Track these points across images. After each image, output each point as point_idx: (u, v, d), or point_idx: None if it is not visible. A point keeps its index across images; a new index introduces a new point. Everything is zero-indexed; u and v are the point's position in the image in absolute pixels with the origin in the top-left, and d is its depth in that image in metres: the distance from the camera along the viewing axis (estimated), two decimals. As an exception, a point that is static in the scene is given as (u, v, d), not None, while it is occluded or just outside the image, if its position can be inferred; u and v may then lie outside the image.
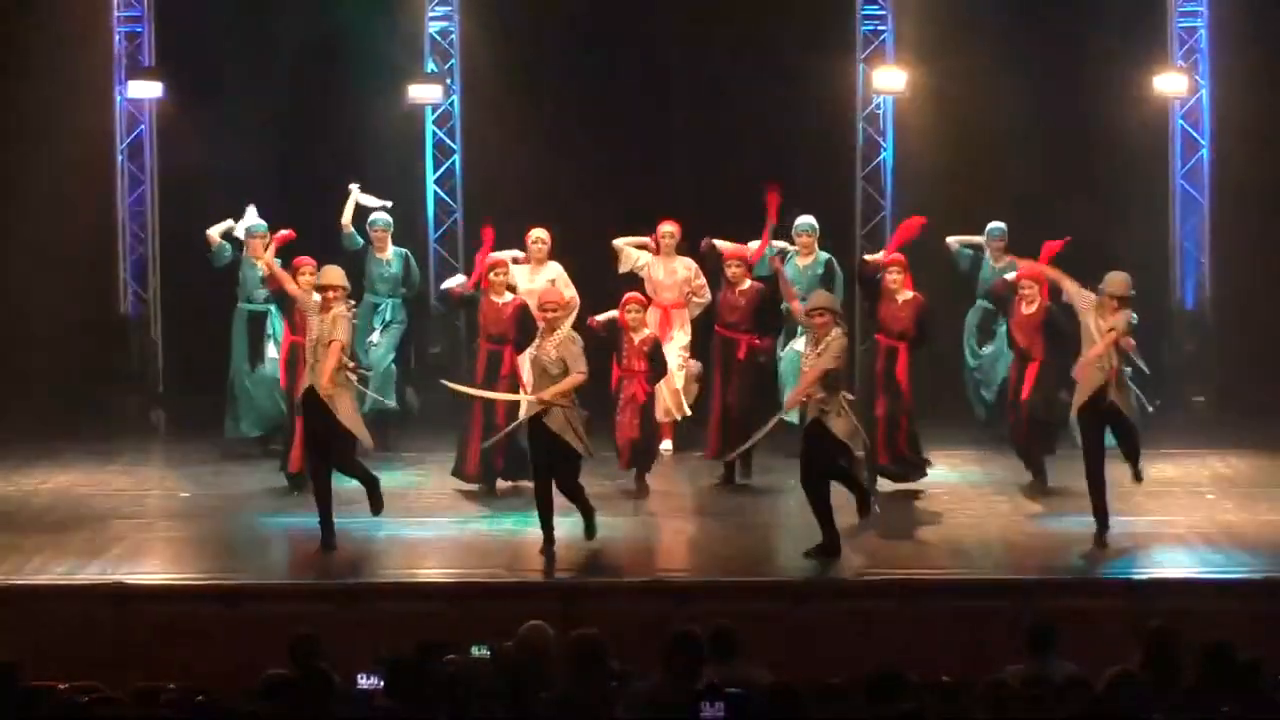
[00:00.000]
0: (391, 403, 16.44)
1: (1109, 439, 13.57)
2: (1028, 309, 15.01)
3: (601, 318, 15.09)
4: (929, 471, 15.31)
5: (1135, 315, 13.70)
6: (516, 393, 14.77)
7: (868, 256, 15.64)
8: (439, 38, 19.27)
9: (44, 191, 18.41)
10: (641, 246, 16.27)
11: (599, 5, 18.81)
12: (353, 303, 13.92)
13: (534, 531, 13.61)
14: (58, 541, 13.77)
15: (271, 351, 16.41)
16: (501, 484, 15.20)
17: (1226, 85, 18.82)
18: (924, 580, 12.80)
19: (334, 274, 13.77)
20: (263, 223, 16.32)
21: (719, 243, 15.86)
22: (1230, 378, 18.44)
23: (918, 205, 18.31)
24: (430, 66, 19.15)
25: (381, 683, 8.72)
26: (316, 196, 16.75)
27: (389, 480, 15.30)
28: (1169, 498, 14.91)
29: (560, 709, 8.57)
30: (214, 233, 16.34)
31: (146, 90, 18.92)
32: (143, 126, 19.26)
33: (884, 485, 14.95)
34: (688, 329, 16.39)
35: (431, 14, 19.26)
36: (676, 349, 16.29)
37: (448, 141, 19.35)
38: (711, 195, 16.94)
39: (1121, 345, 13.41)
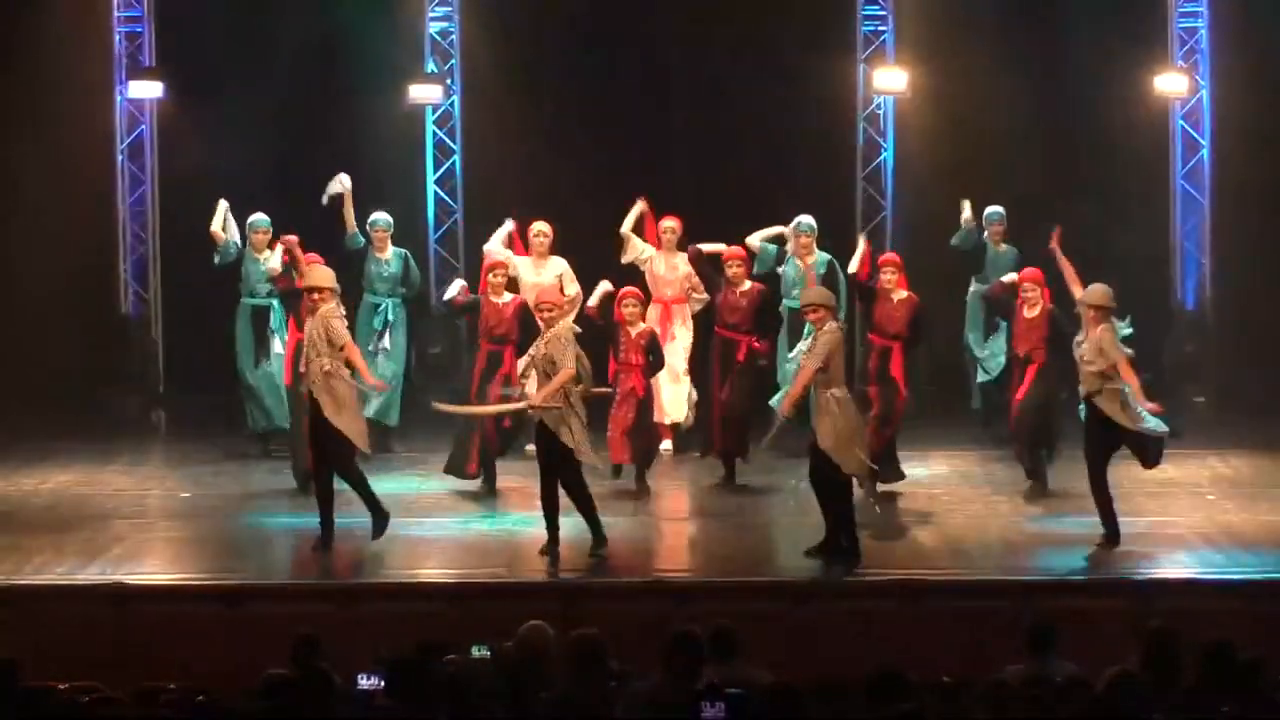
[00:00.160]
0: (394, 422, 16.50)
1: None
2: (1030, 312, 14.98)
3: (594, 299, 15.04)
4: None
5: (1118, 323, 13.63)
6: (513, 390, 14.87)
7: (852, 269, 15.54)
8: (439, 38, 19.29)
9: (45, 191, 18.43)
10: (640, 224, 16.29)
11: (599, 5, 18.81)
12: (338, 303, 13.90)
13: (534, 531, 13.62)
14: (58, 541, 13.77)
15: (277, 347, 16.43)
16: (502, 483, 15.21)
17: (1227, 85, 18.82)
18: (924, 580, 12.79)
19: (320, 275, 13.75)
20: (265, 218, 16.36)
21: (705, 247, 15.87)
22: (1230, 378, 18.45)
23: (918, 205, 18.36)
24: (430, 67, 19.17)
25: (382, 683, 8.72)
26: (317, 197, 16.73)
27: (389, 481, 15.35)
28: (1169, 498, 14.91)
29: (560, 709, 8.57)
30: (217, 228, 16.34)
31: (147, 90, 18.93)
32: (143, 126, 19.27)
33: (882, 485, 14.93)
34: (690, 326, 16.37)
35: (432, 14, 19.27)
36: (681, 352, 16.29)
37: (448, 142, 19.36)
38: (712, 195, 16.95)
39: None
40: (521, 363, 13.99)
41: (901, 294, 14.90)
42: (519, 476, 15.26)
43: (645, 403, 15.22)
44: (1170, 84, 18.69)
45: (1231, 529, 13.98)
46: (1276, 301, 18.50)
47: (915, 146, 18.77)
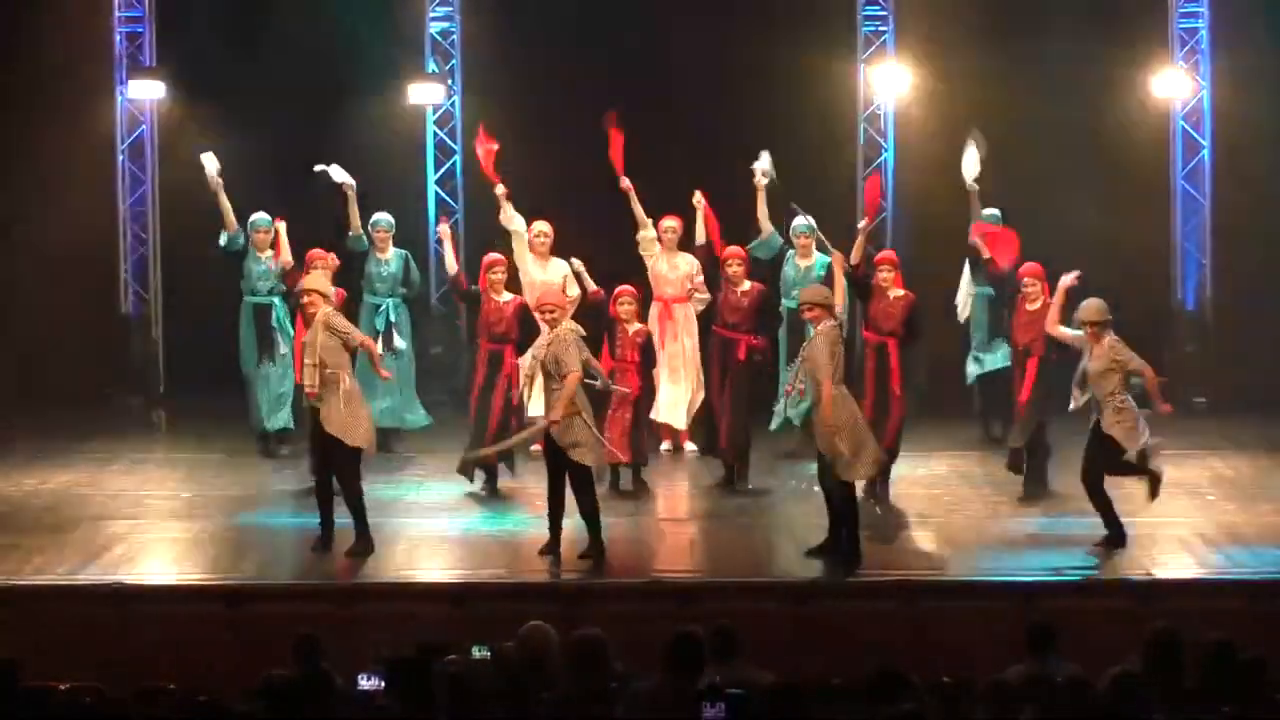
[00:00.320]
0: (423, 422, 16.54)
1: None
2: (1031, 305, 14.98)
3: (584, 276, 15.02)
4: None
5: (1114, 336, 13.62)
6: (513, 393, 14.91)
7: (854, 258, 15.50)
8: (440, 38, 19.29)
9: (45, 192, 18.43)
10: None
11: (600, 5, 18.81)
12: (340, 299, 13.91)
13: (535, 532, 13.62)
14: (59, 542, 13.77)
15: (282, 346, 16.44)
16: (502, 484, 15.21)
17: (1227, 85, 18.82)
18: (924, 580, 12.80)
19: (316, 280, 13.76)
20: (266, 217, 16.38)
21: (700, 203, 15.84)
22: (1231, 378, 18.43)
23: (919, 206, 18.35)
24: (431, 67, 19.16)
25: (382, 683, 8.72)
26: (317, 197, 16.74)
27: (390, 481, 15.35)
28: (1170, 498, 14.84)
29: (561, 709, 8.57)
30: (227, 210, 16.31)
31: (147, 90, 18.94)
32: (144, 127, 19.27)
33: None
34: (693, 329, 16.34)
35: (432, 14, 19.28)
36: (683, 353, 16.27)
37: (449, 142, 19.36)
38: (712, 195, 16.87)
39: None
40: (525, 363, 13.97)
41: (898, 292, 14.88)
42: (519, 477, 15.25)
43: (641, 402, 15.22)
44: (1171, 84, 18.69)
45: (1232, 529, 13.98)
46: (1277, 302, 18.50)
47: (916, 147, 18.77)
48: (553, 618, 9.43)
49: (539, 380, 13.31)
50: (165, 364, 19.22)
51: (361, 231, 16.47)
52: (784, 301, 16.25)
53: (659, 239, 16.35)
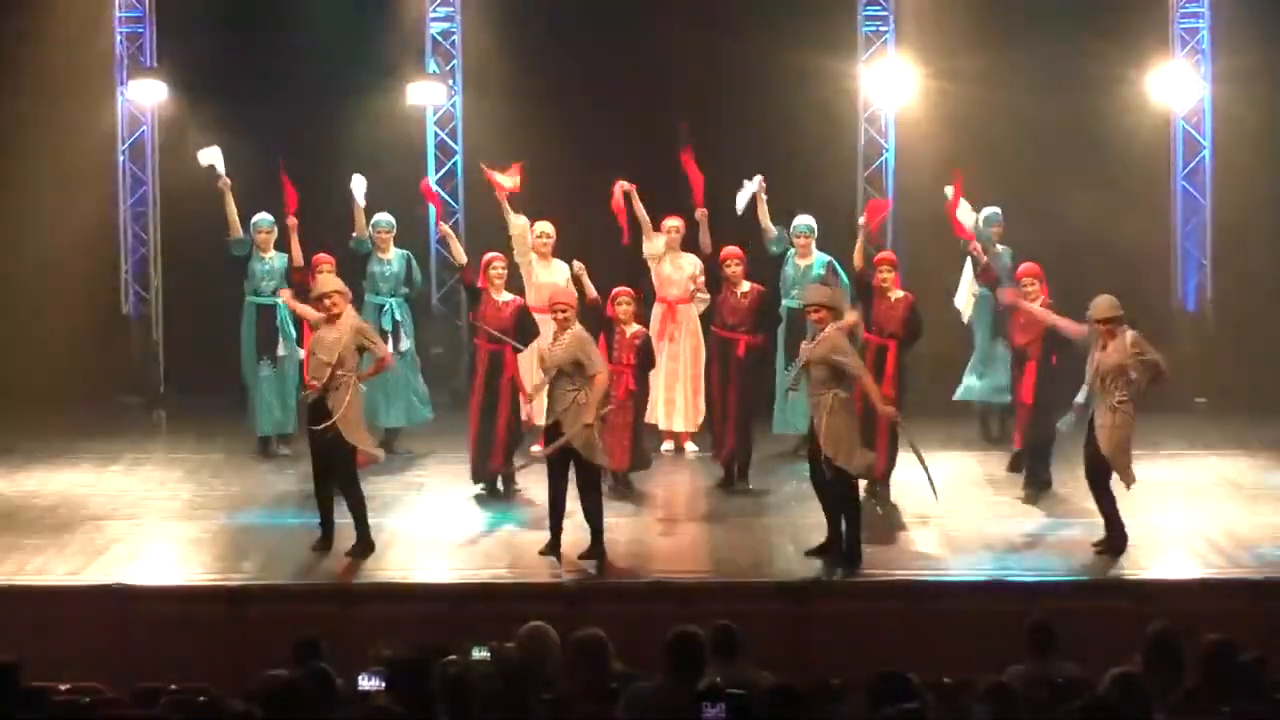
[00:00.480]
0: (429, 418, 16.62)
1: None
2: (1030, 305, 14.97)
3: (584, 281, 15.02)
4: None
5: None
6: (515, 397, 14.93)
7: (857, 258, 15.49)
8: (440, 38, 19.30)
9: (46, 192, 18.45)
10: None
11: (600, 6, 18.82)
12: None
13: (536, 533, 13.62)
14: (59, 542, 13.77)
15: (282, 348, 16.44)
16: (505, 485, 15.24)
17: (1228, 86, 18.82)
18: (925, 580, 12.80)
19: (329, 281, 13.79)
20: (269, 217, 16.38)
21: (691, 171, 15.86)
22: (1231, 378, 18.43)
23: (919, 206, 18.34)
24: (432, 67, 19.17)
25: (382, 683, 8.72)
26: (318, 197, 16.74)
27: (390, 482, 15.34)
28: (1171, 499, 14.90)
29: (561, 710, 8.57)
30: (231, 212, 16.30)
31: (148, 91, 18.95)
32: (144, 127, 19.28)
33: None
34: (698, 331, 16.33)
35: (433, 14, 19.28)
36: (685, 355, 16.28)
37: (449, 142, 19.37)
38: (713, 196, 16.85)
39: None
40: (537, 363, 13.85)
41: (898, 293, 14.88)
42: (520, 478, 15.24)
43: (639, 404, 15.22)
44: (1171, 85, 18.69)
45: (1233, 529, 13.98)
46: (1277, 302, 18.50)
47: (916, 147, 18.77)
48: (553, 618, 9.43)
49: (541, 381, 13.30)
50: (166, 364, 19.22)
51: (366, 234, 16.48)
52: (784, 301, 16.25)
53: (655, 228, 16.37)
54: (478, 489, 15.18)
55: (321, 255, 15.61)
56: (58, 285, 18.48)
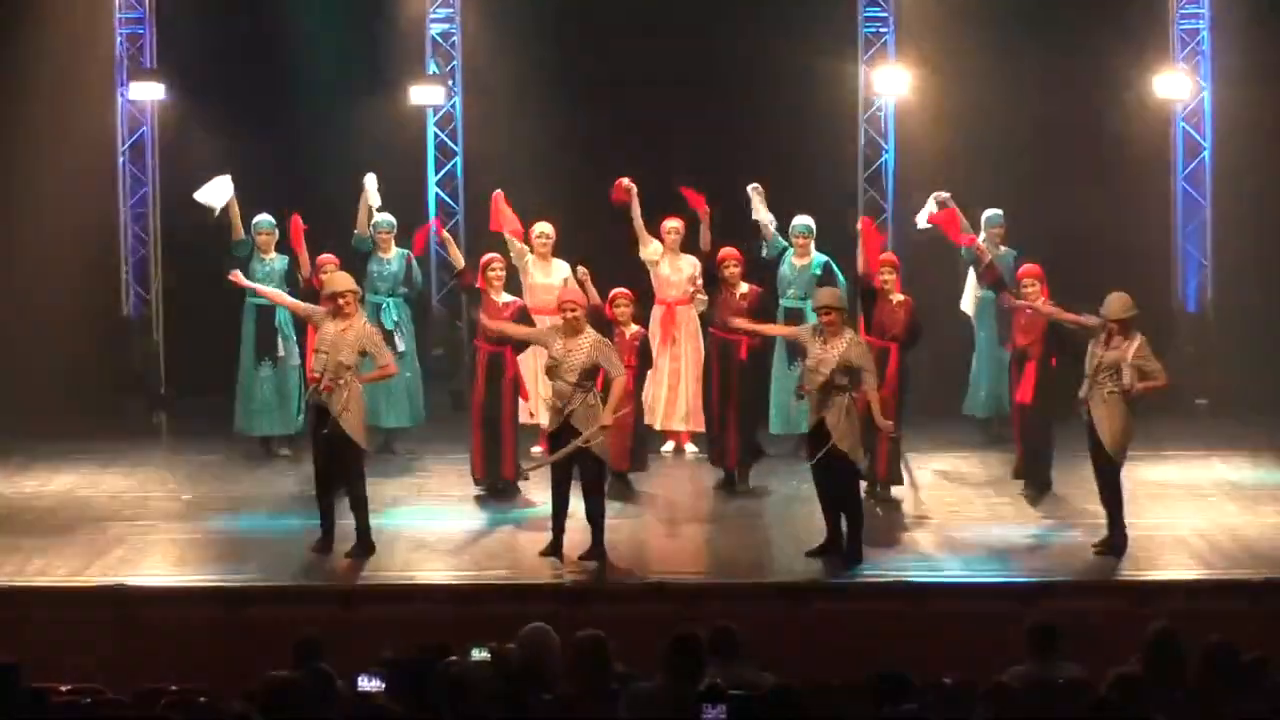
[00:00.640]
0: (421, 420, 16.66)
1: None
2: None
3: (588, 286, 15.01)
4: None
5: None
6: (518, 398, 14.93)
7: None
8: (441, 39, 19.29)
9: (46, 193, 18.43)
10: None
11: (600, 6, 18.81)
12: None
13: (536, 533, 13.61)
14: (60, 544, 13.77)
15: (281, 349, 16.44)
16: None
17: (1228, 86, 18.81)
18: (926, 581, 12.80)
19: (344, 279, 13.80)
20: (269, 218, 16.38)
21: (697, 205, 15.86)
22: (1232, 380, 18.42)
23: (920, 207, 18.32)
24: (432, 68, 19.16)
25: (383, 684, 8.71)
26: (318, 198, 16.73)
27: (390, 482, 15.34)
28: (1171, 499, 14.91)
29: (562, 711, 8.57)
30: (234, 214, 16.30)
31: (148, 92, 18.93)
32: (144, 128, 19.27)
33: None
34: (698, 333, 16.32)
35: (433, 15, 19.27)
36: (685, 356, 16.28)
37: (449, 143, 19.36)
38: (713, 197, 16.87)
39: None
40: (544, 365, 13.83)
41: (899, 296, 14.88)
42: (519, 479, 15.23)
43: (639, 405, 15.21)
44: (1171, 85, 18.68)
45: (1234, 530, 13.98)
46: (1277, 303, 18.50)
47: (917, 148, 18.76)
48: (554, 619, 9.43)
49: (550, 385, 13.27)
50: (166, 366, 19.22)
51: (368, 233, 16.48)
52: (781, 301, 16.23)
53: (661, 240, 16.35)
54: (478, 489, 15.16)
55: (326, 256, 15.59)
56: (58, 286, 18.46)
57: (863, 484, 13.82)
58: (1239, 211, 18.80)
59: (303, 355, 15.67)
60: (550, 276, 16.01)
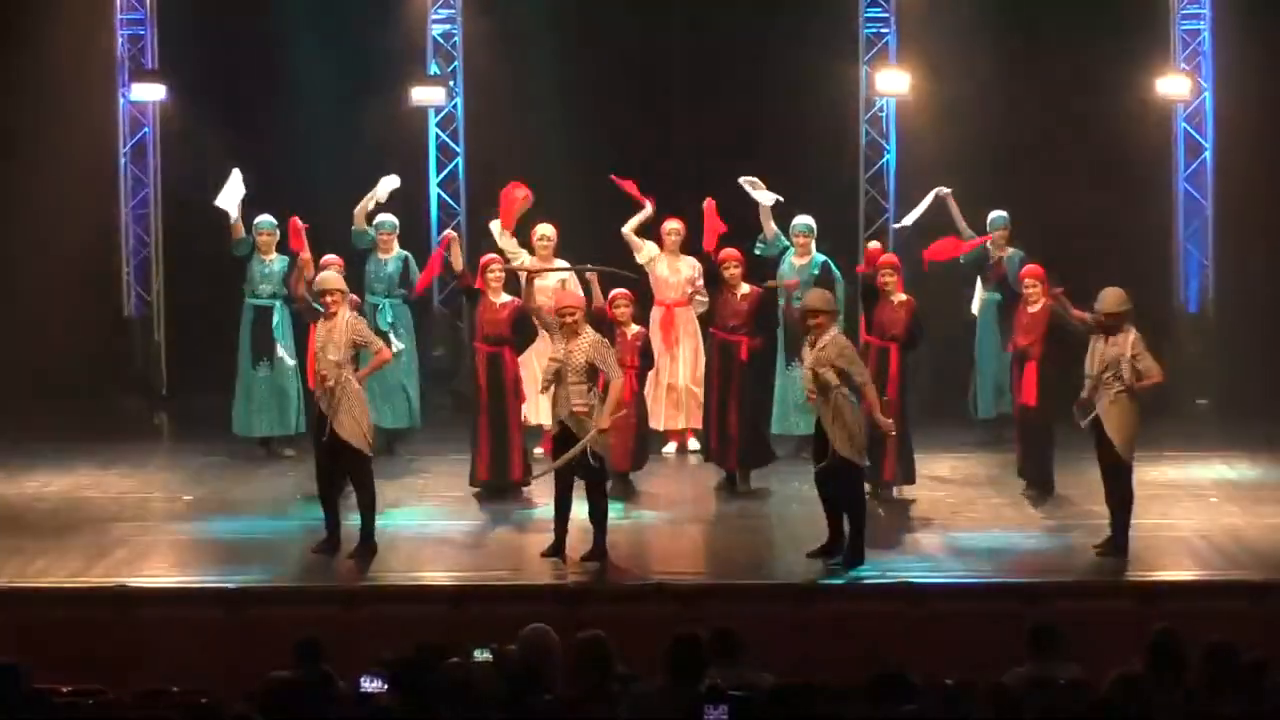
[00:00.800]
0: (418, 425, 16.57)
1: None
2: (1032, 307, 14.98)
3: (594, 288, 14.97)
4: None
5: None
6: (516, 399, 14.94)
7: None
8: (442, 40, 19.30)
9: (48, 194, 18.44)
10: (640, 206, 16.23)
11: (601, 7, 18.82)
12: (356, 299, 13.90)
13: (537, 534, 13.62)
14: (61, 544, 13.77)
15: (279, 350, 16.45)
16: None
17: (1229, 87, 18.82)
18: (927, 582, 12.80)
19: (332, 279, 13.79)
20: (271, 219, 16.37)
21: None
22: (1233, 380, 18.43)
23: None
24: (433, 69, 19.17)
25: (384, 685, 8.72)
26: (318, 198, 16.74)
27: (391, 483, 15.34)
28: (1172, 500, 14.90)
29: (563, 712, 8.57)
30: (234, 214, 16.29)
31: (149, 93, 18.96)
32: (146, 129, 19.29)
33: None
34: (698, 334, 16.32)
35: (435, 16, 19.28)
36: (685, 358, 16.28)
37: (451, 144, 19.37)
38: (714, 197, 16.89)
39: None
40: (545, 366, 13.81)
41: (900, 297, 14.88)
42: (525, 484, 15.23)
43: (640, 405, 15.21)
44: (1172, 86, 18.69)
45: (1235, 531, 13.98)
46: (1278, 303, 18.50)
47: (918, 149, 18.77)
48: (555, 620, 9.43)
49: (552, 386, 13.26)
50: (168, 366, 19.23)
51: (366, 228, 16.47)
52: (780, 300, 16.23)
53: (661, 241, 16.35)
54: (477, 490, 15.17)
55: (330, 257, 15.56)
56: (59, 287, 18.48)
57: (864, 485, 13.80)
58: (1240, 212, 18.81)
59: (301, 357, 15.65)
60: (550, 279, 15.93)
